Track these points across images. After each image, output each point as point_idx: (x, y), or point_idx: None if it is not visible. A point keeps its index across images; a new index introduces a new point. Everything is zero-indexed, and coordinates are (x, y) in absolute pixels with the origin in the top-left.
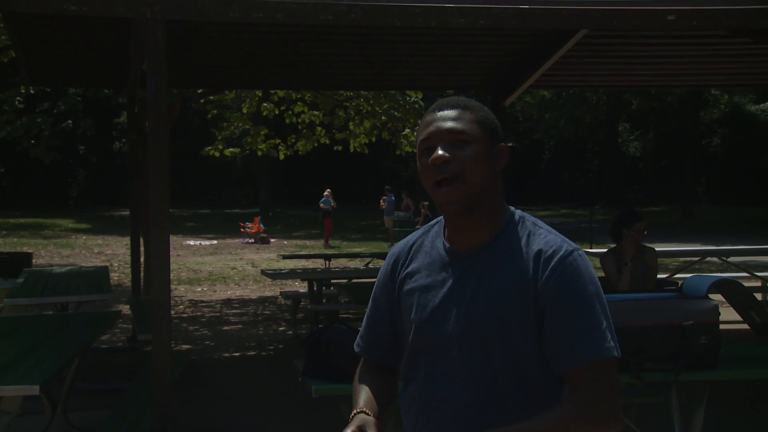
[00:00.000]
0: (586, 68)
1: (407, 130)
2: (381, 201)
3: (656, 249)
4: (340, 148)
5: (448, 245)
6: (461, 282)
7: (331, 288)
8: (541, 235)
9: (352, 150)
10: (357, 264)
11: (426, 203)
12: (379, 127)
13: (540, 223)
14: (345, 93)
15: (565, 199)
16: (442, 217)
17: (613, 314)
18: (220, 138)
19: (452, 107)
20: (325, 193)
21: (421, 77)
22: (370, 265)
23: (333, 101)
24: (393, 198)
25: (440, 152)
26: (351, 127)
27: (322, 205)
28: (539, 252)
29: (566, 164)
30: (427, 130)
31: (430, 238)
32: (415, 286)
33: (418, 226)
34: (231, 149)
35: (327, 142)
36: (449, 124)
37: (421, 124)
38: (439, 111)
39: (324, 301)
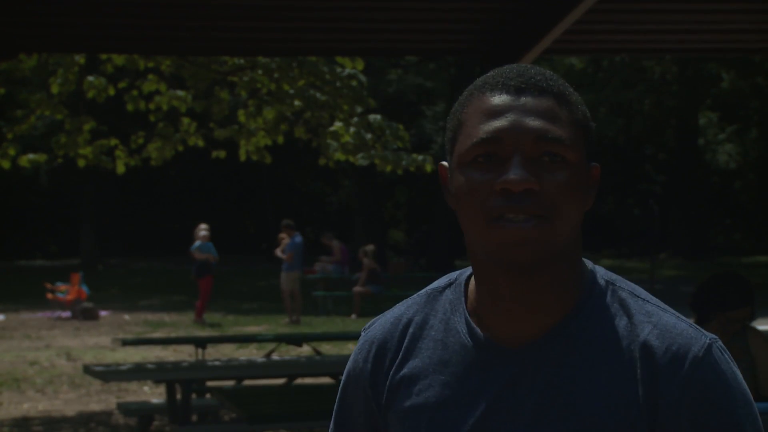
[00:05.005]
0: (643, 19)
1: (338, 124)
2: (277, 245)
3: (764, 330)
4: (222, 154)
5: (480, 332)
6: (509, 398)
7: (207, 396)
8: (650, 314)
9: (243, 158)
10: (251, 353)
11: (369, 248)
12: (289, 118)
13: (640, 291)
14: (231, 60)
15: (609, 242)
16: (462, 275)
17: None
18: (11, 137)
19: (540, 91)
20: (201, 232)
21: (364, 36)
22: (275, 356)
23: (210, 74)
24: (300, 239)
25: (519, 172)
26: (241, 119)
27: (195, 253)
28: (650, 349)
29: (610, 183)
30: (495, 124)
31: (440, 315)
32: (420, 402)
33: (358, 288)
34: (31, 156)
35: (200, 144)
36: (538, 123)
37: (470, 102)
38: (517, 93)
39: (194, 418)
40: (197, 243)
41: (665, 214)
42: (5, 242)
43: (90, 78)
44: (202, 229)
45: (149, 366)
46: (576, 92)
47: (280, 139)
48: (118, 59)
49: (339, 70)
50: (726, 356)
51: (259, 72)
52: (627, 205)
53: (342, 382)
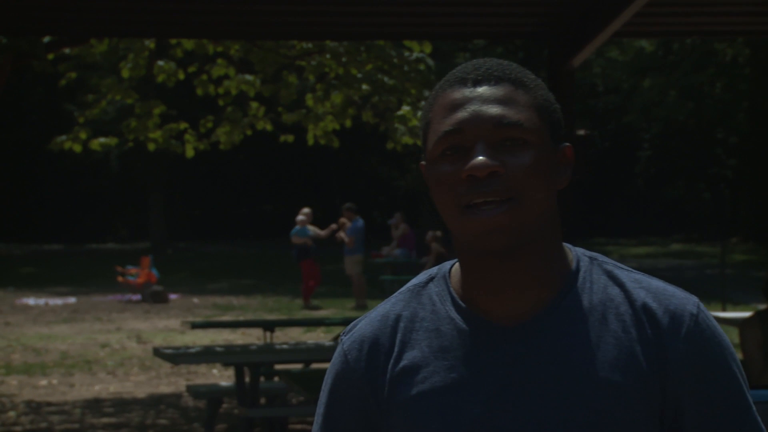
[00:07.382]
0: (714, 0)
1: (406, 108)
2: (337, 229)
3: None
4: (290, 138)
5: (475, 315)
6: (518, 373)
7: (275, 379)
8: (639, 281)
9: (311, 142)
10: (319, 337)
11: (438, 233)
12: (357, 103)
13: (621, 264)
14: (299, 44)
15: (679, 227)
16: (442, 267)
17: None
18: (82, 121)
19: (496, 80)
20: (300, 216)
21: (432, 19)
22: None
23: (278, 59)
24: (361, 223)
25: (482, 158)
26: (309, 104)
27: (294, 238)
28: (650, 311)
29: (680, 167)
30: (456, 117)
31: (428, 307)
32: (427, 388)
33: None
34: (102, 140)
35: (269, 128)
36: (496, 110)
37: (435, 101)
38: (474, 85)
39: (263, 401)
40: (296, 228)
41: (736, 199)
42: (77, 226)
43: (160, 62)
44: (301, 214)
45: (218, 349)
46: (538, 78)
47: (348, 123)
48: (188, 44)
49: (407, 54)
50: (709, 313)
51: (327, 56)
52: (697, 189)
53: (328, 386)
